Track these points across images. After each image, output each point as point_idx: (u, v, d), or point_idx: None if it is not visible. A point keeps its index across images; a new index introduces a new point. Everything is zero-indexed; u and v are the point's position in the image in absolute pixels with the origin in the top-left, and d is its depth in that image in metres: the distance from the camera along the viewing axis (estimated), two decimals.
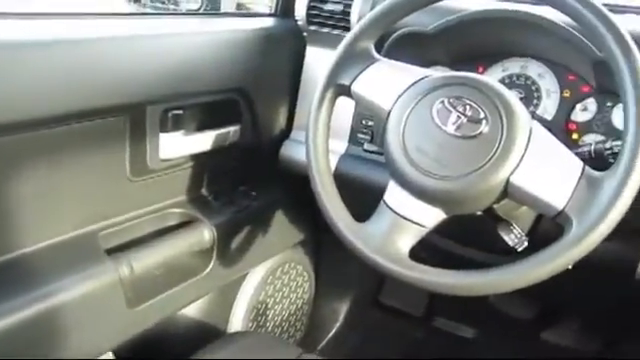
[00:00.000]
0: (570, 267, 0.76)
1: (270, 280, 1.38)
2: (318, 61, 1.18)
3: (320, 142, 0.87)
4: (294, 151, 1.20)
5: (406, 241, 0.77)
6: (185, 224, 1.12)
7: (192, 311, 1.20)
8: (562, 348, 1.48)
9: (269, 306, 1.39)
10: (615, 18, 0.72)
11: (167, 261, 1.05)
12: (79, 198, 0.95)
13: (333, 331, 1.62)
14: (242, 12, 1.41)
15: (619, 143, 0.72)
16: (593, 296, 1.21)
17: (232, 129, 1.14)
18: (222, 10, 1.43)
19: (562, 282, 0.79)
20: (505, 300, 1.52)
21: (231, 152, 1.17)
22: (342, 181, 0.90)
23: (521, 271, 0.69)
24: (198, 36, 1.05)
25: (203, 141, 1.10)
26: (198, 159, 1.12)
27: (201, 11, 1.31)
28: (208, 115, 1.10)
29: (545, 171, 0.71)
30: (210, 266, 1.13)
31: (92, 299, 0.92)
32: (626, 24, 0.73)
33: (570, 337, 1.49)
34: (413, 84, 0.80)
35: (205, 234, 1.11)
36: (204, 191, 1.19)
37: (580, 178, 0.70)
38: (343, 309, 1.63)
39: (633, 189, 0.66)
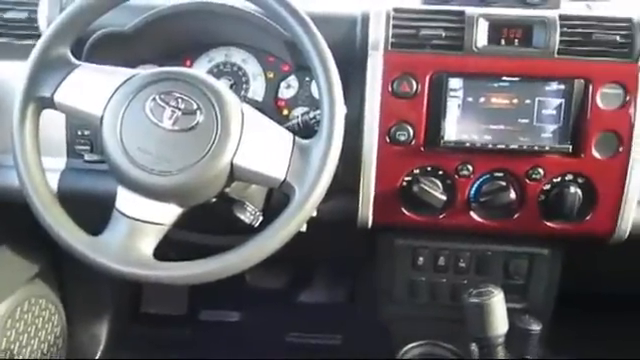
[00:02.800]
0: (304, 230, 0.84)
1: (10, 324, 1.23)
2: (11, 75, 1.07)
3: (31, 162, 0.80)
4: (3, 178, 1.08)
5: (147, 243, 0.77)
6: None
7: None
8: (316, 305, 1.62)
9: (15, 352, 1.25)
10: (293, 1, 0.80)
11: None
12: None
13: (97, 357, 1.52)
14: None
15: (320, 112, 0.81)
16: (333, 252, 1.34)
17: None
18: None
19: (304, 245, 0.87)
20: (260, 277, 1.60)
21: None
22: (69, 198, 0.85)
23: (258, 245, 0.74)
24: None
25: None
26: None
27: None
28: None
29: (262, 148, 0.77)
30: None
31: None
32: (305, 6, 0.82)
33: (322, 294, 1.64)
34: (121, 85, 0.79)
35: None
36: None
37: (293, 148, 0.77)
38: (103, 331, 1.54)
39: (337, 150, 0.76)
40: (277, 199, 0.97)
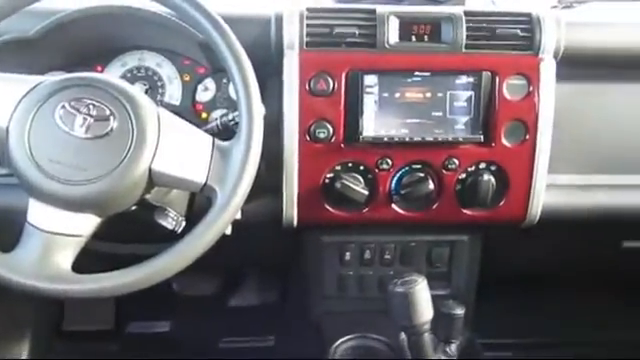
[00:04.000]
0: (229, 233, 0.83)
1: None
2: None
3: None
4: None
5: (65, 256, 0.74)
6: None
7: None
8: (247, 309, 1.61)
9: None
10: (205, 2, 0.79)
11: None
12: None
13: None
14: None
15: (238, 113, 0.81)
16: (262, 253, 1.33)
17: None
18: None
19: (232, 249, 0.86)
20: (188, 284, 1.57)
21: None
22: None
23: (181, 250, 0.73)
24: None
25: None
26: None
27: None
28: None
29: (181, 152, 0.76)
30: None
31: None
32: (217, 7, 0.81)
33: (252, 296, 1.64)
34: (27, 93, 0.75)
35: None
36: None
37: (212, 151, 0.77)
38: (24, 353, 1.47)
39: (257, 150, 0.76)
40: (200, 203, 0.96)
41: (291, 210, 0.99)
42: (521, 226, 1.05)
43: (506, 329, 1.54)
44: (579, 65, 1.03)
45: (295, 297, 1.54)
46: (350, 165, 0.98)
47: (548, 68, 0.98)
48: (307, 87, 0.95)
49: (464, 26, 0.96)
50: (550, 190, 1.04)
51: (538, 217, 1.04)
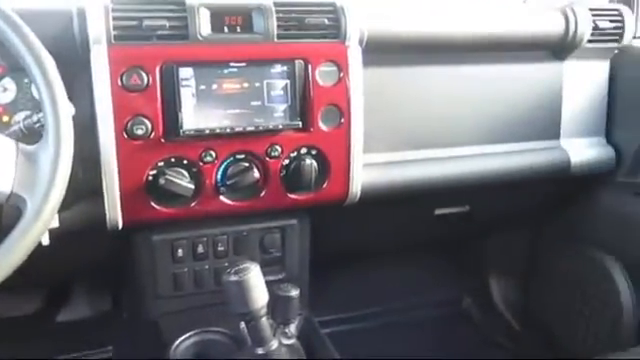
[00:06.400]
0: (46, 243, 0.78)
1: None
2: None
3: None
4: None
5: None
6: None
7: None
8: (79, 322, 1.52)
9: None
10: None
11: None
12: None
13: None
14: None
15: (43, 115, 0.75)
16: (90, 260, 1.26)
17: None
18: None
19: (55, 260, 0.80)
20: (7, 304, 1.43)
21: None
22: None
23: None
24: None
25: None
26: None
27: None
28: None
29: None
30: None
31: None
32: (11, 2, 0.75)
33: (84, 308, 1.54)
34: None
35: None
36: None
37: (17, 157, 0.71)
38: None
39: (67, 152, 0.72)
40: (8, 214, 0.88)
41: (114, 212, 0.95)
42: (344, 205, 1.11)
43: (340, 304, 1.63)
44: (386, 51, 1.12)
45: (130, 302, 1.48)
46: (173, 160, 0.97)
47: (355, 55, 1.04)
48: (119, 83, 0.91)
49: (274, 16, 0.98)
50: (367, 169, 1.11)
51: (358, 195, 1.11)
